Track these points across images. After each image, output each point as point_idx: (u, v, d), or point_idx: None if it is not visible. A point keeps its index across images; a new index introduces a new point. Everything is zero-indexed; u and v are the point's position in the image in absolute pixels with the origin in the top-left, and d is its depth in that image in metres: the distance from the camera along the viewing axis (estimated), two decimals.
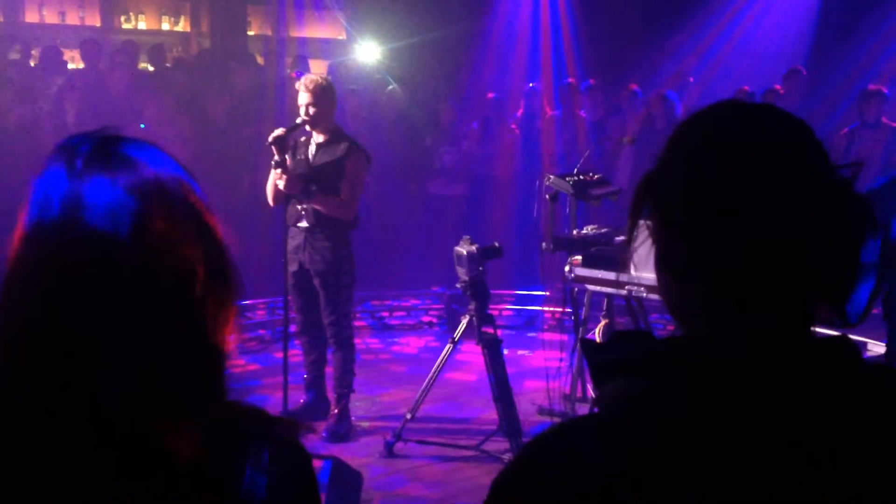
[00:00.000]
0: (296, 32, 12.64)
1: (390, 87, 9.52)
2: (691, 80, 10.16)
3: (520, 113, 9.54)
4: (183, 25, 11.53)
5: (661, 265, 1.08)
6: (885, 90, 8.21)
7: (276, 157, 5.22)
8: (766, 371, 0.97)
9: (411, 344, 7.65)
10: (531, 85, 9.73)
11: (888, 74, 9.60)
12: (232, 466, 1.04)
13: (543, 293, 8.21)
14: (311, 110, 5.32)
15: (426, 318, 8.26)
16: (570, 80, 9.71)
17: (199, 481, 1.01)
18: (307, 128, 5.41)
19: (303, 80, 5.43)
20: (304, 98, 5.34)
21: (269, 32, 12.46)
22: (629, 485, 0.95)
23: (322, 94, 5.34)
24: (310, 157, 5.42)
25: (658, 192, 1.08)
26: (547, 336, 7.14)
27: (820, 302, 1.03)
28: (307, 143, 5.47)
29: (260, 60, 10.94)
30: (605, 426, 1.00)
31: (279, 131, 5.23)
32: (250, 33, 11.54)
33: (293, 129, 5.32)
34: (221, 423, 1.05)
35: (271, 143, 5.20)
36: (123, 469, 0.98)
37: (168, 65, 10.04)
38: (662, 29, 10.48)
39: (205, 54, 10.63)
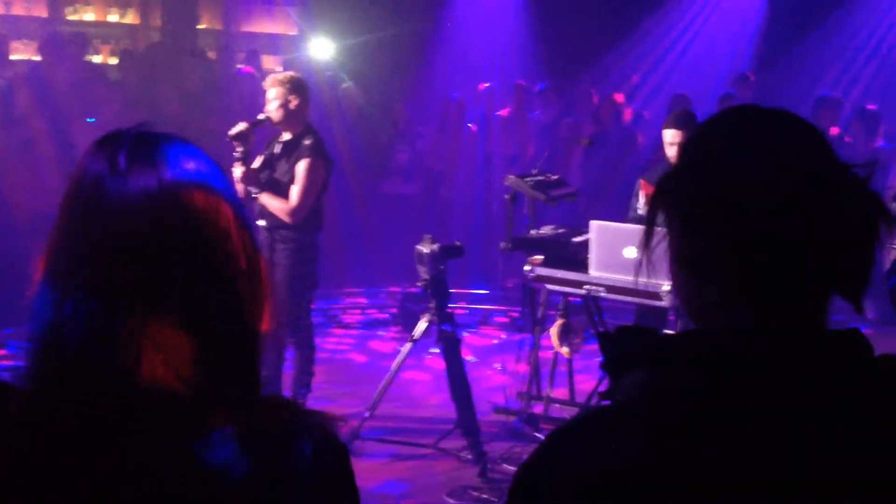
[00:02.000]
0: (246, 27, 12.54)
1: (345, 84, 9.48)
2: (637, 79, 10.30)
3: (476, 113, 9.58)
4: (131, 18, 11.35)
5: (680, 262, 1.12)
6: (839, 96, 8.42)
7: (239, 151, 5.15)
8: (786, 363, 1.01)
9: (366, 342, 7.64)
10: (486, 85, 9.77)
11: (835, 78, 9.85)
12: (277, 458, 1.05)
13: (497, 292, 8.27)
14: (277, 107, 5.26)
15: (381, 317, 8.25)
16: (520, 81, 9.75)
17: (245, 471, 1.02)
18: (272, 125, 5.34)
19: (271, 76, 5.37)
20: (270, 94, 5.28)
21: (220, 27, 12.35)
22: (660, 472, 0.97)
23: (290, 91, 5.25)
24: (274, 154, 5.37)
25: (679, 193, 1.11)
26: (502, 335, 7.21)
27: (838, 295, 1.07)
28: (277, 140, 5.40)
29: (211, 55, 10.83)
30: (633, 415, 1.02)
31: (242, 126, 5.18)
32: (200, 27, 11.41)
33: (256, 125, 5.25)
34: (262, 414, 1.06)
35: (233, 138, 5.14)
36: (156, 448, 1.00)
37: (117, 58, 9.89)
38: (615, 32, 10.60)
39: (155, 48, 10.48)
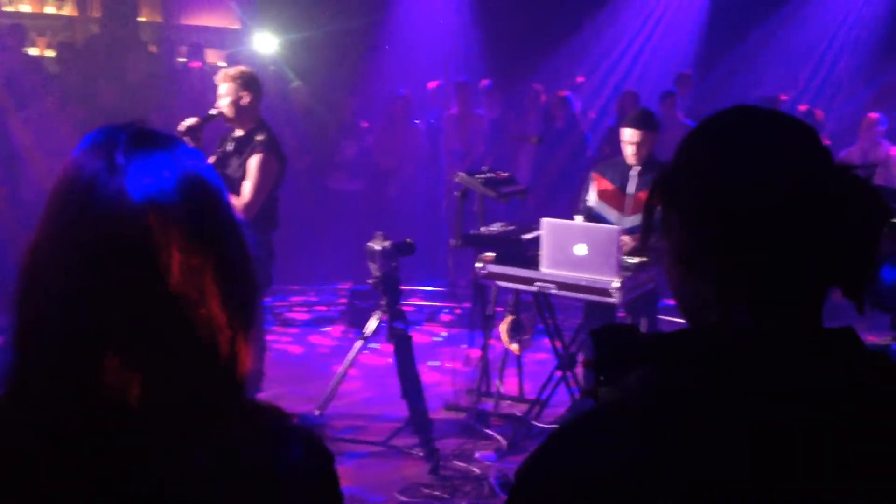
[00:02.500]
0: (187, 20, 12.36)
1: (294, 83, 9.39)
2: (581, 79, 10.39)
3: (428, 110, 9.58)
4: (69, 9, 11.12)
5: (677, 262, 1.13)
6: (784, 97, 8.59)
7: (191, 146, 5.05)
8: (785, 362, 1.02)
9: (314, 340, 7.59)
10: (436, 84, 9.76)
11: (774, 78, 10.06)
12: (264, 463, 1.04)
13: (445, 289, 8.28)
14: (229, 103, 5.19)
15: (328, 314, 8.19)
16: (465, 78, 9.77)
17: (232, 477, 1.01)
18: (226, 122, 5.26)
19: (223, 70, 5.28)
20: (222, 89, 5.20)
21: (159, 19, 12.15)
22: (660, 472, 0.97)
23: (242, 86, 5.17)
24: (227, 150, 5.29)
25: (678, 191, 1.12)
26: (451, 331, 7.22)
27: (839, 292, 1.09)
28: (230, 136, 5.33)
29: (152, 48, 10.65)
30: (633, 415, 1.02)
31: (192, 121, 5.08)
32: (140, 20, 11.21)
33: (207, 120, 5.15)
34: (248, 419, 1.05)
35: (184, 133, 5.05)
36: (137, 457, 0.98)
37: (55, 50, 9.68)
38: (560, 31, 10.69)
39: (94, 40, 10.28)
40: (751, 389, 1.00)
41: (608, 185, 5.57)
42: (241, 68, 5.28)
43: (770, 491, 0.98)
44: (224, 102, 5.17)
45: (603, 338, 1.31)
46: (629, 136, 5.42)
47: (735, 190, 1.06)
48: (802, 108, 8.70)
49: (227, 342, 1.04)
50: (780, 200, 1.05)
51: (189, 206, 1.02)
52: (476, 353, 5.68)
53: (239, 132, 5.26)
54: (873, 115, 8.07)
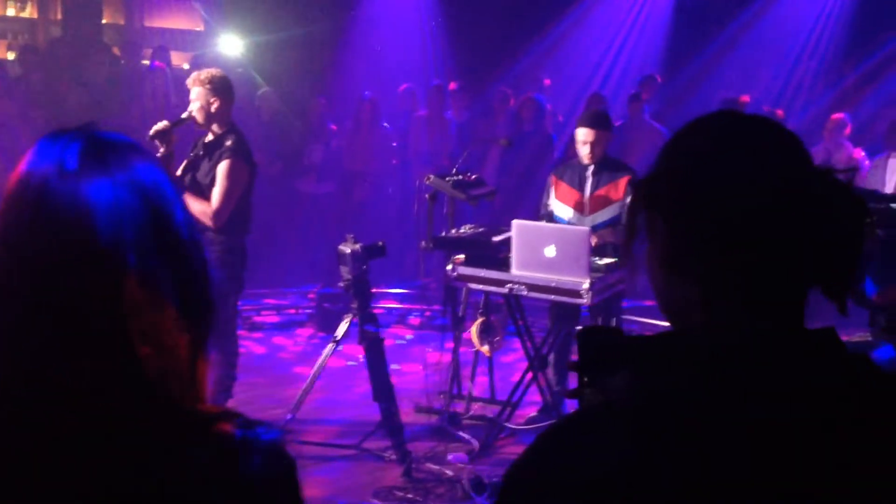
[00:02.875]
0: (150, 22, 12.24)
1: (262, 90, 9.33)
2: (547, 83, 10.43)
3: (398, 113, 9.57)
4: (30, 12, 10.99)
5: (662, 264, 1.13)
6: (745, 98, 8.68)
7: (162, 150, 5.00)
8: (778, 362, 1.03)
9: (283, 343, 7.55)
10: (405, 87, 9.75)
11: (738, 80, 10.16)
12: (225, 471, 1.03)
13: (416, 291, 8.28)
14: (200, 106, 5.13)
15: (297, 317, 8.16)
16: (437, 82, 9.78)
17: (188, 486, 0.99)
18: (197, 126, 5.22)
19: (195, 74, 5.23)
20: (193, 93, 5.15)
21: (122, 21, 12.03)
22: (652, 473, 0.98)
23: (213, 90, 5.12)
24: (198, 155, 5.25)
25: (662, 195, 1.13)
26: (422, 334, 7.21)
27: (823, 294, 1.10)
28: (201, 140, 5.28)
29: (115, 50, 10.55)
30: (623, 416, 1.03)
31: (162, 124, 5.03)
32: (103, 22, 11.10)
33: (177, 124, 5.11)
34: (209, 426, 1.04)
35: (153, 137, 5.00)
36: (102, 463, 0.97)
37: (15, 53, 9.56)
38: (527, 34, 10.73)
39: (56, 43, 10.15)
40: (748, 389, 1.01)
41: (566, 187, 5.61)
42: (212, 72, 5.21)
43: (769, 491, 0.98)
44: (194, 107, 5.12)
45: (587, 339, 1.32)
46: (583, 136, 5.47)
47: (722, 191, 1.07)
48: (766, 108, 8.81)
49: (185, 348, 1.03)
50: (768, 201, 1.06)
51: (141, 210, 1.01)
52: (437, 357, 5.68)
53: (209, 136, 5.22)
54: (837, 117, 8.18)
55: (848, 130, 8.09)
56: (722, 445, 0.99)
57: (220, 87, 5.14)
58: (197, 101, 5.11)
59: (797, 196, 1.07)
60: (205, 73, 5.17)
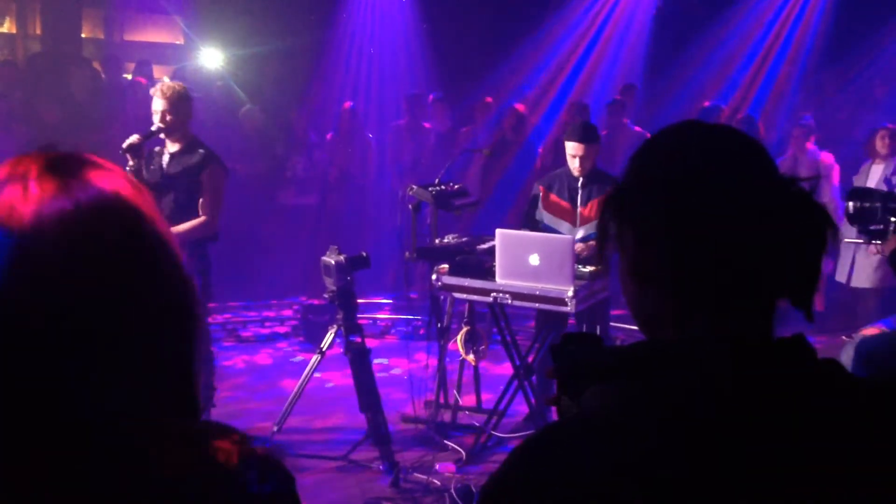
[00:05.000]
0: (130, 36, 12.22)
1: (245, 107, 9.32)
2: (527, 90, 10.47)
3: (380, 122, 9.59)
4: (8, 27, 10.96)
5: (633, 275, 1.15)
6: (723, 105, 8.74)
7: (131, 164, 5.05)
8: (743, 372, 1.04)
9: (269, 356, 7.54)
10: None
11: (714, 86, 10.24)
12: (223, 487, 1.02)
13: (401, 301, 8.28)
14: (168, 118, 5.19)
15: (281, 329, 8.15)
16: (415, 90, 9.81)
17: (183, 500, 0.99)
18: (162, 136, 5.27)
19: (158, 86, 5.28)
20: (158, 105, 5.19)
21: (102, 35, 12.00)
22: (627, 484, 0.98)
23: (178, 101, 5.21)
24: (163, 166, 5.28)
25: (631, 204, 1.14)
26: (408, 344, 7.20)
27: (786, 302, 1.12)
28: (161, 152, 5.32)
29: (95, 65, 10.52)
30: (598, 427, 1.03)
31: (133, 138, 5.07)
32: (83, 36, 11.07)
33: (148, 137, 5.17)
34: (205, 442, 1.03)
35: (125, 151, 5.03)
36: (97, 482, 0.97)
37: None
38: (507, 43, 10.76)
39: (36, 58, 10.12)
40: (720, 400, 1.02)
41: (555, 198, 5.64)
42: (172, 85, 5.30)
43: (745, 500, 0.99)
44: (157, 118, 5.21)
45: (563, 348, 1.34)
46: (573, 150, 5.51)
47: (693, 202, 1.09)
48: (740, 115, 8.87)
49: (174, 366, 1.03)
50: (733, 214, 1.08)
51: (102, 228, 1.00)
52: (423, 367, 5.69)
53: (174, 146, 5.30)
54: (802, 123, 8.28)
55: (813, 136, 8.18)
56: (696, 457, 0.99)
57: (181, 97, 5.24)
58: (159, 113, 5.20)
59: (762, 206, 1.08)
60: (166, 86, 5.26)
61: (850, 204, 4.48)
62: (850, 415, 1.06)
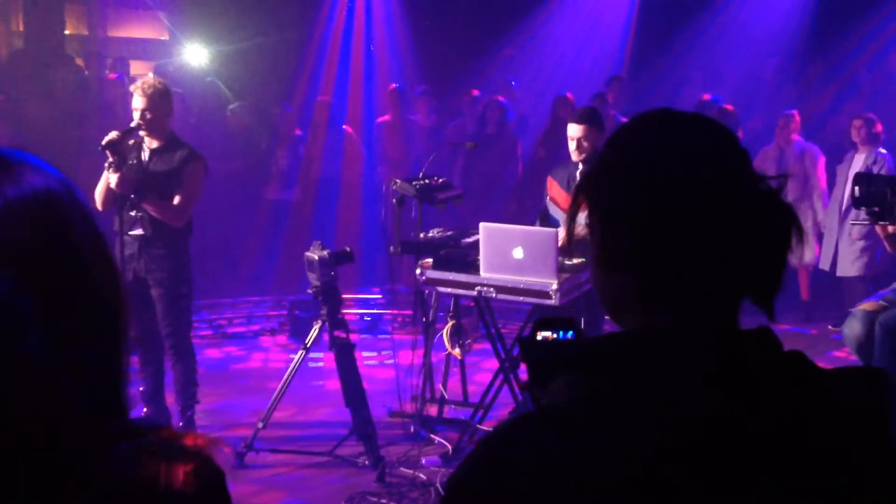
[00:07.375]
0: (114, 32, 12.16)
1: (232, 105, 9.27)
2: (513, 83, 10.46)
3: (357, 117, 9.56)
4: None
5: (600, 260, 1.13)
6: (706, 97, 8.74)
7: (111, 160, 5.03)
8: (709, 363, 1.03)
9: (254, 352, 7.51)
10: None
11: (700, 79, 10.24)
12: (147, 485, 1.01)
13: (385, 296, 8.27)
14: (147, 115, 5.15)
15: (268, 325, 8.13)
16: (394, 85, 9.73)
17: (112, 499, 0.98)
18: (141, 133, 5.23)
19: (138, 83, 5.25)
20: (138, 102, 5.16)
21: (85, 32, 11.94)
22: (593, 475, 0.97)
23: (159, 98, 5.18)
24: (143, 161, 5.25)
25: (600, 191, 1.13)
26: (393, 338, 7.19)
27: (749, 297, 1.11)
28: (139, 147, 5.28)
29: (78, 61, 10.46)
30: (564, 418, 1.02)
31: (113, 135, 5.05)
32: (65, 33, 11.01)
33: (128, 133, 5.15)
34: (131, 439, 1.03)
35: (105, 147, 5.01)
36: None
37: None
38: (491, 35, 10.75)
39: (18, 55, 10.06)
40: (685, 390, 1.01)
41: (558, 188, 5.61)
42: (153, 81, 5.27)
43: (711, 492, 0.98)
44: (137, 115, 5.18)
45: (530, 343, 1.33)
46: (572, 132, 5.43)
47: (658, 187, 1.08)
48: (728, 106, 8.86)
49: (104, 360, 1.03)
50: (697, 204, 1.07)
51: (27, 224, 1.00)
52: (409, 361, 5.67)
53: (154, 143, 5.27)
54: (786, 114, 8.28)
55: (797, 126, 8.18)
56: (658, 448, 0.98)
57: (161, 94, 5.22)
58: (139, 109, 5.16)
59: (725, 200, 1.07)
60: (146, 82, 5.23)
61: (857, 188, 4.63)
62: (821, 405, 1.05)
